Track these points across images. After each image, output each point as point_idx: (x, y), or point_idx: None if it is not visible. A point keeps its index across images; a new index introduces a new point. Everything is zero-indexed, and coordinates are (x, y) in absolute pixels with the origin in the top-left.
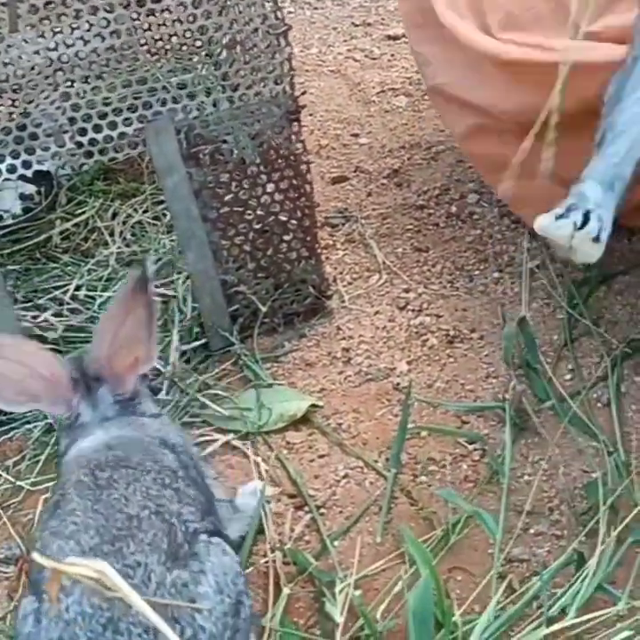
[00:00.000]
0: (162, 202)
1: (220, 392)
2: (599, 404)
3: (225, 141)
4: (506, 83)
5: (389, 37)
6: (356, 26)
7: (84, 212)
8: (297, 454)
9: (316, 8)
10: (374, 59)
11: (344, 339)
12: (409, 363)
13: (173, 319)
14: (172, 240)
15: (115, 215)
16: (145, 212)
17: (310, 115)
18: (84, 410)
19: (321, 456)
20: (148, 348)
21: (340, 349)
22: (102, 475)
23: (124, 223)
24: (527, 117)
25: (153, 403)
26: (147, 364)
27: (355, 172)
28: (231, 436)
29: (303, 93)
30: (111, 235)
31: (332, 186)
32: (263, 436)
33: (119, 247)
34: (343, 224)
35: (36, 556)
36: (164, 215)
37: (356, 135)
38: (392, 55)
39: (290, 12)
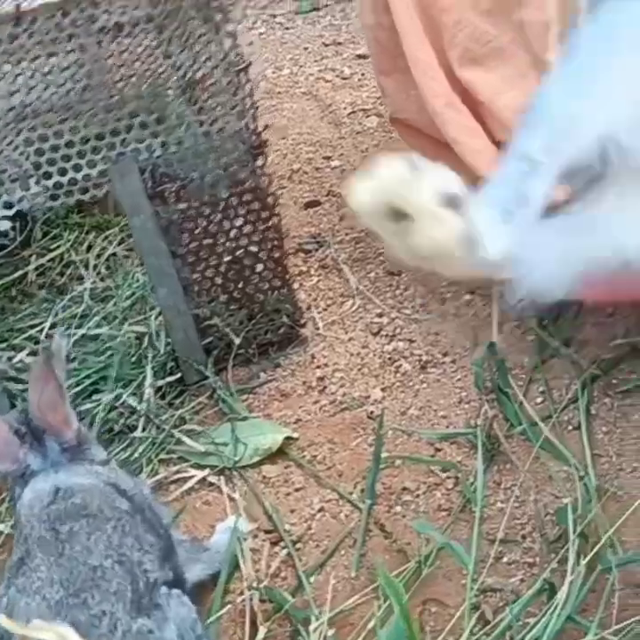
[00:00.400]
0: None
1: (195, 427)
2: (570, 427)
3: (190, 178)
4: None
5: (359, 57)
6: (327, 45)
7: (59, 247)
8: (273, 488)
9: (287, 28)
10: (345, 79)
11: (319, 367)
12: (383, 390)
13: (147, 355)
14: (145, 273)
15: (89, 248)
16: (119, 243)
17: (282, 138)
18: (33, 460)
19: (297, 489)
20: (65, 414)
21: (316, 378)
22: (63, 528)
23: (99, 256)
24: None
25: (101, 448)
26: (67, 430)
27: (327, 196)
28: (207, 471)
29: (266, 128)
30: (86, 268)
31: (304, 211)
32: (239, 470)
33: (93, 282)
34: (316, 249)
35: (2, 618)
36: None
37: (328, 158)
38: (362, 74)
39: (261, 33)
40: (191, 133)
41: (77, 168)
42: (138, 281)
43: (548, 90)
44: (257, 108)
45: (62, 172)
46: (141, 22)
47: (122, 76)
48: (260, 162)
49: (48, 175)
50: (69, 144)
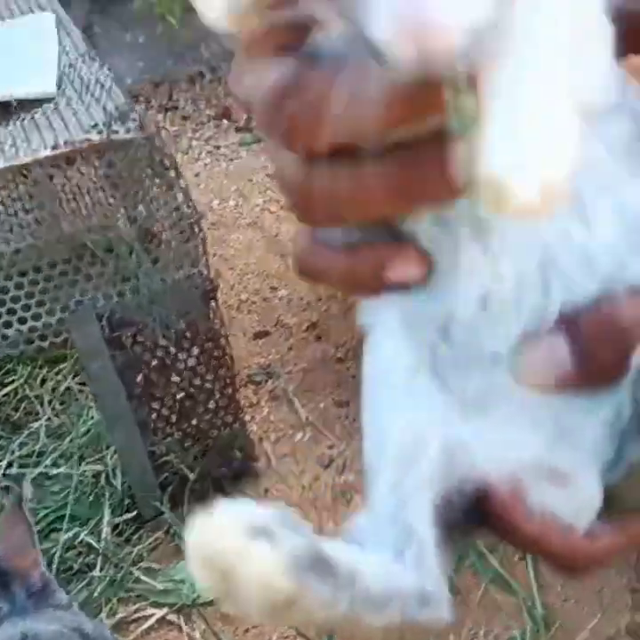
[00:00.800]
0: None
1: (153, 565)
2: (516, 557)
3: (146, 322)
4: None
5: None
6: (271, 177)
7: (12, 381)
8: (231, 625)
9: (231, 159)
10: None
11: (272, 501)
12: (335, 524)
13: (104, 493)
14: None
15: (43, 382)
16: (74, 376)
17: (230, 269)
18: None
19: (254, 626)
20: (34, 557)
21: None
22: None
23: (53, 390)
24: None
25: (62, 591)
26: (35, 573)
27: (275, 326)
28: (166, 610)
29: (212, 269)
30: (41, 404)
31: (254, 341)
32: (198, 608)
33: (48, 418)
34: (266, 380)
35: None
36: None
37: (275, 288)
38: None
39: (206, 164)
40: (147, 281)
41: (37, 317)
42: (93, 418)
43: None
44: (207, 255)
45: (22, 321)
46: (100, 180)
47: (80, 230)
48: (212, 305)
49: (8, 324)
50: (28, 295)
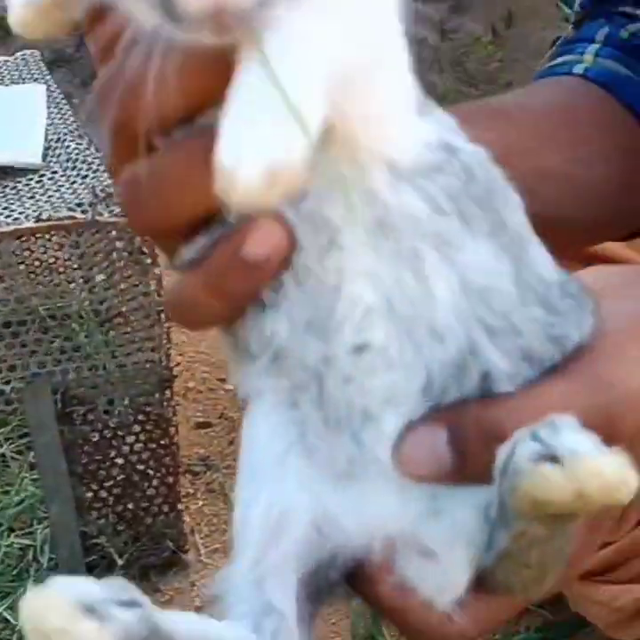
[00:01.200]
0: (27, 434)
1: None
2: None
3: (98, 403)
4: None
5: None
6: None
7: None
8: None
9: None
10: None
11: (198, 596)
12: None
13: (29, 568)
14: (33, 479)
15: None
16: (10, 443)
17: (180, 355)
18: None
19: None
20: None
21: (194, 607)
22: None
23: None
24: None
25: None
26: None
27: (219, 418)
28: None
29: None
30: None
31: (196, 431)
32: None
33: None
34: (205, 472)
35: None
36: (29, 449)
37: (222, 380)
38: None
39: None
40: (105, 361)
41: None
42: (26, 490)
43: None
44: (170, 343)
45: None
46: (71, 258)
47: (45, 302)
48: (167, 394)
49: None
50: None
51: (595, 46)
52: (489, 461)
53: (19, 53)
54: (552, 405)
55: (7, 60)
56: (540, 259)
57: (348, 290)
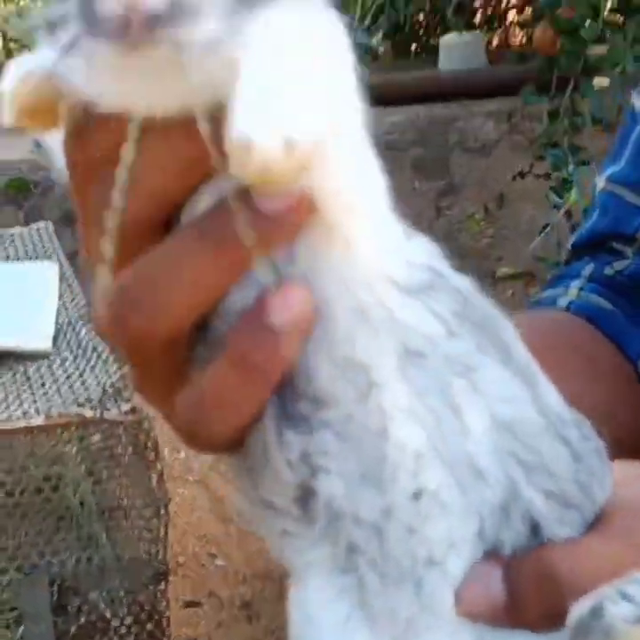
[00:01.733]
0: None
1: None
2: None
3: (93, 595)
4: None
5: None
6: None
7: None
8: None
9: None
10: None
11: None
12: None
13: None
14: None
15: None
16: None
17: (171, 527)
18: None
19: None
20: None
21: None
22: None
23: None
24: None
25: None
26: None
27: (209, 596)
28: None
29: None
30: None
31: (184, 609)
32: None
33: None
34: None
35: None
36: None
37: (213, 556)
38: None
39: None
40: (103, 554)
41: None
42: None
43: None
44: (167, 537)
45: None
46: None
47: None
48: (162, 586)
49: None
50: None
51: (580, 281)
52: (539, 603)
53: (33, 225)
54: (605, 554)
55: (21, 233)
56: (552, 393)
57: (394, 431)
